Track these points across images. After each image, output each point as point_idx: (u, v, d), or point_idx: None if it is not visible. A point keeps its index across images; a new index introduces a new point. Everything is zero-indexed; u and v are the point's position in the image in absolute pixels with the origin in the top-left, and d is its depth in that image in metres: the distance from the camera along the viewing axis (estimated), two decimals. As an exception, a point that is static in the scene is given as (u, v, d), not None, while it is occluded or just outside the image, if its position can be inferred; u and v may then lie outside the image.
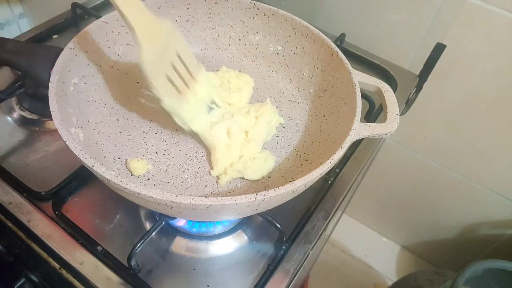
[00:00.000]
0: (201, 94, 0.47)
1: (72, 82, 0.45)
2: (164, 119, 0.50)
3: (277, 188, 0.34)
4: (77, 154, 0.35)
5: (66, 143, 0.36)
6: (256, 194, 0.33)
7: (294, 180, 0.35)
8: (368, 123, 0.43)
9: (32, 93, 0.58)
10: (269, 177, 0.47)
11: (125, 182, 0.33)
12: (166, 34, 0.42)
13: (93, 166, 0.34)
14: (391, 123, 0.44)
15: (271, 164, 0.47)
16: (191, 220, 0.47)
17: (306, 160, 0.48)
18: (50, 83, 0.40)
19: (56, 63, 0.42)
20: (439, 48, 0.66)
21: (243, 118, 0.49)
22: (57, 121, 0.37)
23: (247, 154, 0.47)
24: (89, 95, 0.48)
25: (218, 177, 0.46)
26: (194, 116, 0.46)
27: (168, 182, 0.45)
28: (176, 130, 0.50)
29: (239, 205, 0.33)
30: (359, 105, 0.44)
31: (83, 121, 0.45)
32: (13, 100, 0.58)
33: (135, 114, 0.51)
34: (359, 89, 0.45)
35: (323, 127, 0.50)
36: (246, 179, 0.46)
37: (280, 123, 0.52)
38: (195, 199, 0.32)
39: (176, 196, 0.32)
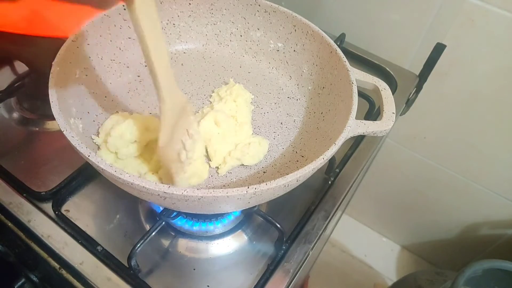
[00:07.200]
0: (198, 151, 0.44)
1: (73, 74, 0.45)
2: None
3: (269, 182, 0.34)
4: (73, 144, 0.35)
5: (64, 132, 0.35)
6: (248, 187, 0.33)
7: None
8: (363, 121, 0.43)
9: (32, 93, 0.58)
10: (264, 172, 0.47)
11: (119, 172, 0.33)
12: (182, 106, 0.40)
13: (88, 156, 0.34)
14: (387, 121, 0.44)
15: (266, 147, 0.48)
16: (186, 212, 0.47)
17: (302, 156, 0.48)
18: (50, 74, 0.40)
19: (58, 54, 0.42)
20: (439, 48, 0.66)
21: (223, 105, 0.50)
22: (55, 111, 0.37)
23: (243, 139, 0.47)
24: (90, 87, 0.48)
25: (217, 167, 0.46)
26: (196, 172, 0.44)
27: (164, 174, 0.45)
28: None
29: (231, 198, 0.33)
30: (355, 102, 0.43)
31: (83, 112, 0.46)
32: (13, 100, 0.58)
33: (135, 107, 0.51)
34: (356, 86, 0.45)
35: (320, 124, 0.51)
36: (244, 168, 0.46)
37: (251, 98, 0.54)
38: (187, 191, 0.32)
39: (169, 187, 0.32)
